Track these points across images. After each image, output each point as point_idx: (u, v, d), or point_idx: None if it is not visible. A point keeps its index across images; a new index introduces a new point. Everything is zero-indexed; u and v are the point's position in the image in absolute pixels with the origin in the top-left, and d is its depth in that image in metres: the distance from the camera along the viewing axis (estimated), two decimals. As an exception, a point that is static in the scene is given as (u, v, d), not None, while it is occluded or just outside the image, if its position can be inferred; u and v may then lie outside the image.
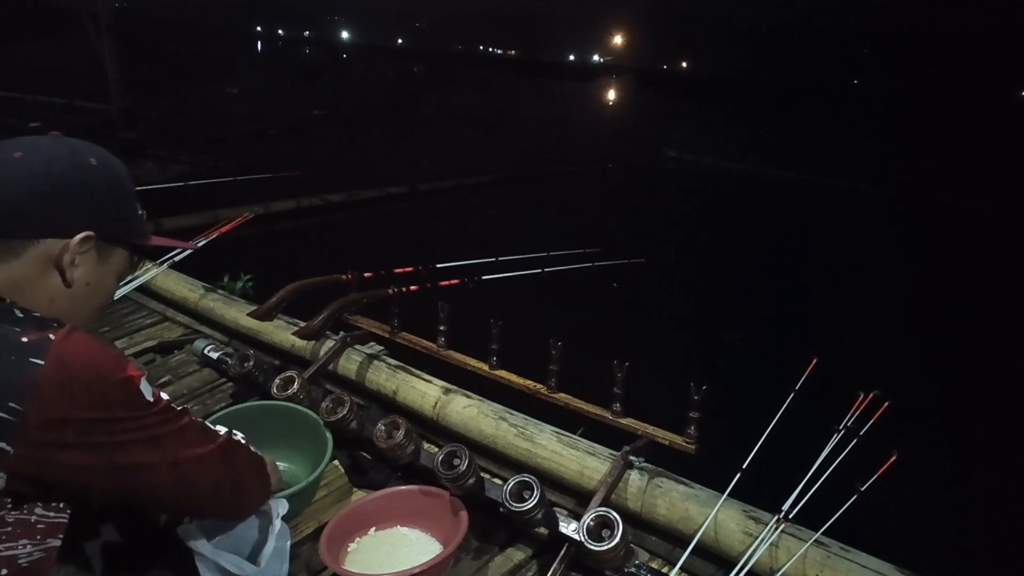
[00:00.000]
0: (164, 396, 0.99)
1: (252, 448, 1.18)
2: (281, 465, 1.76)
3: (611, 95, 50.57)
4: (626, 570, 1.47)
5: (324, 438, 1.70)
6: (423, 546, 1.56)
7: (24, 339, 0.83)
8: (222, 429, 1.11)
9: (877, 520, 1.88)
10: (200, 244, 2.61)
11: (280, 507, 1.35)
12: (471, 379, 2.09)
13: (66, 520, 0.89)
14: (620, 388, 1.81)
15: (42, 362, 0.81)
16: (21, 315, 0.87)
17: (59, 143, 0.97)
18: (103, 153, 1.01)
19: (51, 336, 0.84)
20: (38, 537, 0.85)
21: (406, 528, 1.61)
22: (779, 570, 1.41)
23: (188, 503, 1.06)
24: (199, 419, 1.06)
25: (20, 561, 0.84)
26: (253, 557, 1.30)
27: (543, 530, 1.60)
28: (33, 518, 0.85)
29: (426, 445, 1.80)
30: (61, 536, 0.88)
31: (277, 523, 1.33)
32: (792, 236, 10.48)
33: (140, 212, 1.06)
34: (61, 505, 0.89)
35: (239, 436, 1.15)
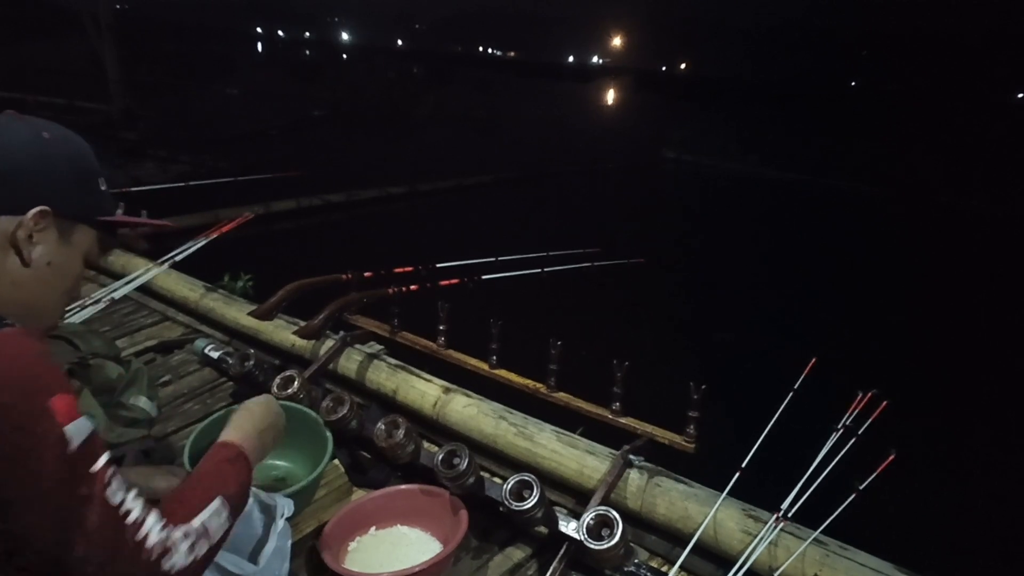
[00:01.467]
0: (103, 460, 0.78)
1: (206, 544, 0.90)
2: (282, 463, 1.77)
3: (610, 96, 50.57)
4: (626, 569, 1.47)
5: (324, 437, 1.70)
6: (423, 545, 1.56)
7: None
8: (160, 544, 0.82)
9: (876, 519, 1.88)
10: (204, 243, 2.61)
11: (286, 507, 1.36)
12: (471, 378, 2.09)
13: None
14: (620, 387, 1.81)
15: None
16: None
17: (11, 119, 0.93)
18: (59, 128, 0.97)
19: None
20: None
21: (406, 527, 1.61)
22: (778, 569, 1.41)
23: None
24: (135, 521, 0.80)
25: None
26: (254, 556, 1.30)
27: (543, 529, 1.60)
28: None
29: (426, 444, 1.80)
30: None
31: (280, 522, 1.34)
32: (791, 236, 10.48)
33: (104, 188, 0.99)
34: None
35: (181, 541, 0.86)
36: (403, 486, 1.66)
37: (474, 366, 2.09)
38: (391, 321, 2.27)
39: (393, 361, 2.20)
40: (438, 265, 2.52)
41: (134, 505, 0.82)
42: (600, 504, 1.56)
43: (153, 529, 0.82)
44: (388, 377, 2.13)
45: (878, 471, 1.41)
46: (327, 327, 2.24)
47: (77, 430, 0.77)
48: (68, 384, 0.81)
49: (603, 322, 5.63)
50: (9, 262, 0.88)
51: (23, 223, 0.88)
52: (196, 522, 0.89)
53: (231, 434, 1.14)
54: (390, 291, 2.27)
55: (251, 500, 1.33)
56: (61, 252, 0.92)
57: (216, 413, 1.79)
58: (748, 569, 1.42)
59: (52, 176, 0.91)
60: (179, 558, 0.85)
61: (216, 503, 0.94)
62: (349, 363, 2.21)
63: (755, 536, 1.46)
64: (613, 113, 37.53)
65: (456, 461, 1.54)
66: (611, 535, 1.39)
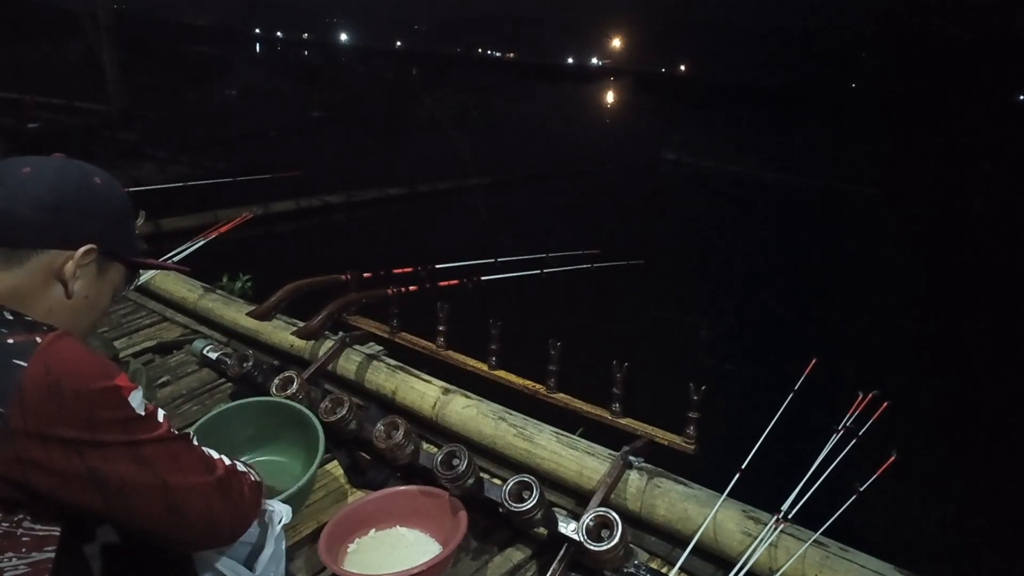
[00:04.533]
0: (162, 415, 0.94)
1: (253, 475, 1.11)
2: (275, 458, 1.77)
3: (610, 98, 50.62)
4: (625, 570, 1.47)
5: (314, 427, 1.69)
6: (422, 546, 1.56)
7: (10, 340, 0.83)
8: (226, 459, 1.04)
9: (876, 520, 1.88)
10: (203, 243, 2.61)
11: (284, 515, 1.35)
12: (470, 379, 2.08)
13: (56, 534, 0.86)
14: (619, 388, 1.81)
15: (25, 364, 0.80)
16: (11, 318, 0.87)
17: (66, 162, 1.00)
18: (107, 175, 1.04)
19: (38, 339, 0.83)
20: (23, 550, 0.84)
21: (405, 528, 1.61)
22: (778, 570, 1.41)
23: (179, 533, 0.98)
24: (202, 448, 1.01)
25: (6, 575, 0.82)
26: (250, 562, 1.29)
27: (542, 530, 1.59)
28: (20, 531, 0.83)
29: (425, 445, 1.80)
30: (50, 550, 0.86)
31: (277, 528, 1.33)
32: (791, 237, 10.49)
33: (137, 233, 1.08)
34: (49, 519, 0.86)
35: (241, 466, 1.09)
36: (402, 487, 1.66)
37: (473, 367, 2.09)
38: (390, 322, 2.27)
39: (392, 362, 2.19)
40: (437, 266, 2.51)
41: (193, 438, 1.00)
42: (600, 505, 1.56)
43: (215, 453, 1.03)
44: (387, 378, 2.12)
45: (879, 472, 1.41)
46: (326, 328, 2.23)
47: (138, 398, 0.90)
48: (116, 364, 0.93)
49: (603, 323, 5.62)
50: (52, 292, 0.94)
51: (73, 258, 0.94)
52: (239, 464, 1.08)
53: None
54: (389, 292, 2.26)
55: None
56: (96, 287, 0.99)
57: (215, 411, 1.78)
58: (748, 570, 1.41)
59: (101, 218, 0.98)
60: (251, 474, 1.09)
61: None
62: (348, 364, 2.20)
63: (755, 537, 1.45)
64: (613, 115, 37.56)
65: (455, 462, 1.53)
66: (611, 536, 1.38)
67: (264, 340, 2.48)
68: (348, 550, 1.54)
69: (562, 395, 1.93)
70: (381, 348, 2.37)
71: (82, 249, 0.94)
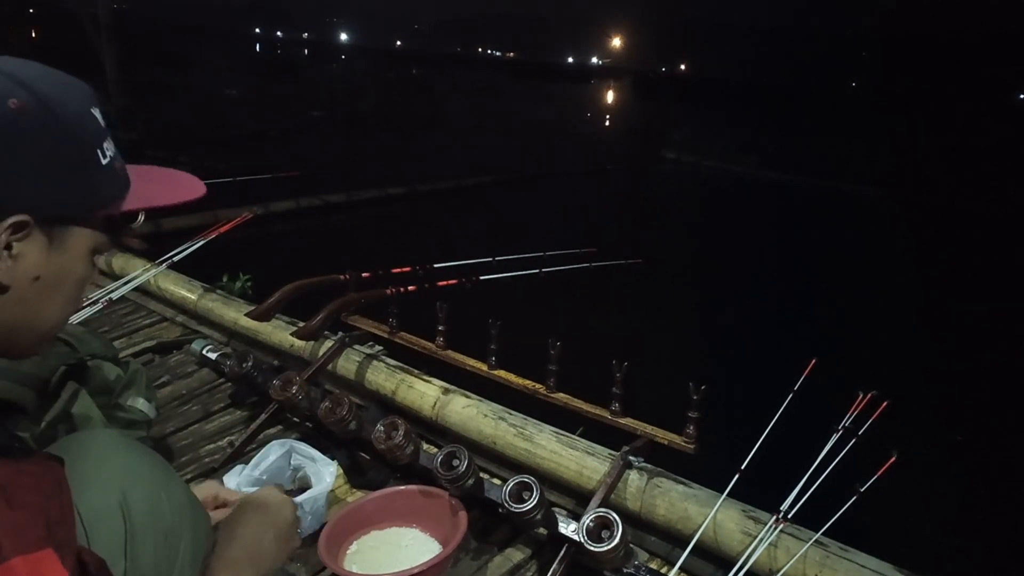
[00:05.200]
0: None
1: None
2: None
3: (610, 97, 50.63)
4: (625, 570, 1.47)
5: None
6: (422, 546, 1.56)
7: None
8: None
9: (876, 520, 1.87)
10: (203, 243, 2.60)
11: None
12: (470, 379, 2.08)
13: None
14: (619, 388, 1.81)
15: None
16: None
17: None
18: (41, 85, 0.68)
19: None
20: None
21: (405, 528, 1.61)
22: (778, 570, 1.40)
23: None
24: None
25: None
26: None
27: (542, 531, 1.59)
28: None
29: (425, 446, 1.80)
30: None
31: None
32: (791, 237, 10.48)
33: (107, 159, 0.74)
34: None
35: None
36: (402, 487, 1.65)
37: (473, 367, 2.09)
38: (390, 322, 2.27)
39: (392, 362, 2.19)
40: (436, 265, 2.51)
41: None
42: (600, 505, 1.55)
43: None
44: (387, 378, 2.12)
45: (879, 473, 1.41)
46: (325, 328, 2.23)
47: None
48: (43, 537, 0.56)
49: (602, 322, 5.62)
50: None
51: None
52: None
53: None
54: (388, 291, 2.26)
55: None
56: (53, 262, 0.70)
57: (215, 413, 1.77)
58: (748, 570, 1.41)
59: (26, 168, 0.65)
60: None
61: None
62: (348, 364, 2.20)
63: (755, 537, 1.45)
64: (613, 114, 37.56)
65: (455, 462, 1.53)
66: (611, 537, 1.38)
67: (264, 340, 2.48)
68: (348, 550, 1.54)
69: (562, 395, 1.92)
70: (381, 348, 2.37)
71: (5, 223, 0.64)
